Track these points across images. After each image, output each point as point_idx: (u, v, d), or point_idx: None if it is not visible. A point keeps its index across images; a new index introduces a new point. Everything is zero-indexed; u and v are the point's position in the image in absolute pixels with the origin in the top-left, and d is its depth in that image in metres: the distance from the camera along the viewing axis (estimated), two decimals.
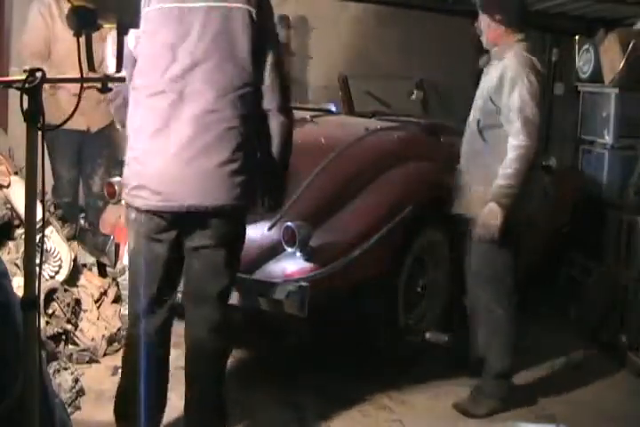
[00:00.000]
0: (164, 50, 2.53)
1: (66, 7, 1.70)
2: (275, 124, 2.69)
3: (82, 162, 4.73)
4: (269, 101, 2.66)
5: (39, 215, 1.73)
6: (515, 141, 3.26)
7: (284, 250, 3.44)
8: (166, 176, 2.55)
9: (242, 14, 2.56)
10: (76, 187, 4.76)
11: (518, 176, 3.25)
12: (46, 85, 1.62)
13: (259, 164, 2.69)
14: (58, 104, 3.98)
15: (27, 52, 4.49)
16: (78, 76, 1.73)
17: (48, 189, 4.29)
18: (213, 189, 2.56)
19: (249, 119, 2.60)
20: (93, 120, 4.57)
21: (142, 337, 2.72)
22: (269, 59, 2.63)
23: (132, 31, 2.10)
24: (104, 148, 4.74)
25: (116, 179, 3.72)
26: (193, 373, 2.77)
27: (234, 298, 3.36)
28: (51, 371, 3.15)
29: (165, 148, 2.54)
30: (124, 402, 2.76)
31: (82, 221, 4.62)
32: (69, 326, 3.60)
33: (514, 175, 3.25)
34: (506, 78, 3.34)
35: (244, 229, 2.78)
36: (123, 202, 2.89)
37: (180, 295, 2.89)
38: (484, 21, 3.52)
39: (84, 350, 3.58)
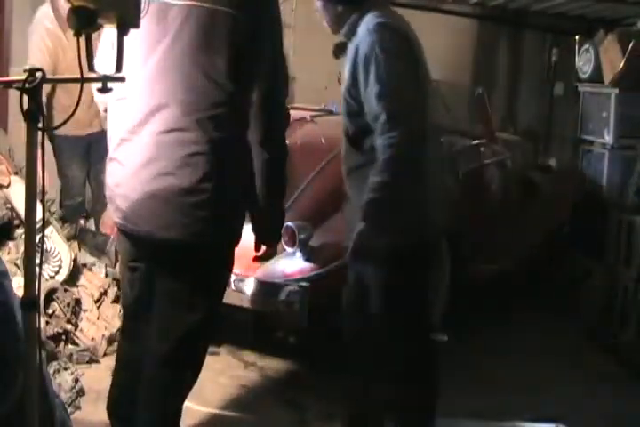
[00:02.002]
0: (138, 51, 2.17)
1: (66, 7, 1.67)
2: (257, 159, 2.29)
3: (91, 162, 4.67)
4: (253, 132, 2.26)
5: (39, 215, 1.73)
6: (382, 140, 2.47)
7: (284, 250, 3.43)
8: (128, 194, 2.25)
9: (224, 19, 2.14)
10: (85, 185, 4.74)
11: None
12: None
13: (241, 201, 2.30)
14: (64, 109, 3.97)
15: None
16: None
17: (48, 188, 4.28)
18: (170, 221, 2.19)
19: (224, 146, 2.18)
20: (100, 121, 4.52)
21: (129, 345, 2.57)
22: (263, 80, 2.21)
23: None
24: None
25: None
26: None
27: (234, 298, 3.36)
28: (51, 371, 3.14)
29: (127, 161, 2.25)
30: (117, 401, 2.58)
31: (82, 221, 4.62)
32: (69, 326, 3.60)
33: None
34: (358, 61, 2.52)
35: (221, 269, 2.38)
36: None
37: None
38: (319, 2, 2.68)
39: (84, 350, 3.58)
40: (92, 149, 4.67)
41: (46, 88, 3.99)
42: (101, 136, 4.63)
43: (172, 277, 2.30)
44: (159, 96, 2.17)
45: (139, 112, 2.19)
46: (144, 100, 2.18)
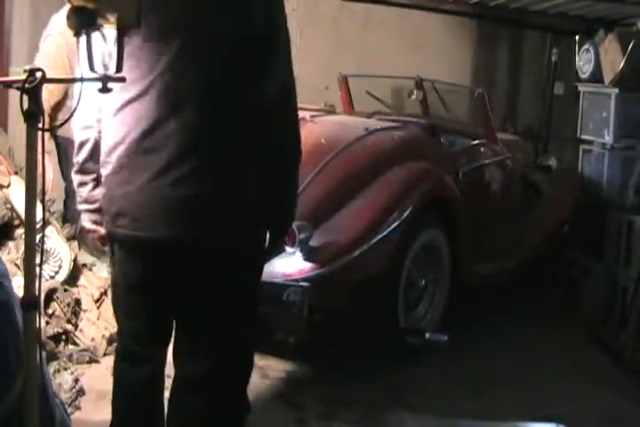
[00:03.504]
0: (149, 48, 2.06)
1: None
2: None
3: None
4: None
5: (39, 215, 1.73)
6: None
7: (284, 250, 3.43)
8: (147, 200, 2.11)
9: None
10: None
11: None
12: None
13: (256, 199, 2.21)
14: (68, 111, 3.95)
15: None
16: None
17: (49, 188, 4.28)
18: (201, 222, 2.12)
19: (245, 147, 2.16)
20: None
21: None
22: (278, 64, 2.16)
23: None
24: None
25: None
26: None
27: None
28: (51, 371, 3.14)
29: (146, 165, 2.10)
30: None
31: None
32: (69, 326, 3.60)
33: None
34: None
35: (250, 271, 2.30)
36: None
37: None
38: None
39: (84, 350, 3.58)
40: None
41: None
42: None
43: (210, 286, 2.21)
44: (178, 95, 2.06)
45: (157, 112, 2.07)
46: (163, 100, 2.06)
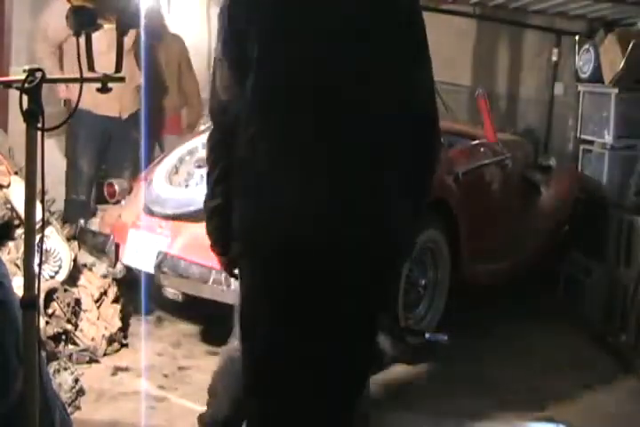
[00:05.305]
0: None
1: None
2: None
3: (107, 158, 4.56)
4: None
5: (39, 215, 1.73)
6: None
7: None
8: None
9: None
10: (93, 184, 4.66)
11: None
12: None
13: None
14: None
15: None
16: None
17: (49, 187, 4.27)
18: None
19: None
20: (126, 104, 4.42)
21: None
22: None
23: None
24: (131, 144, 4.43)
25: (117, 179, 3.73)
26: None
27: (232, 298, 3.36)
28: (51, 371, 3.14)
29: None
30: None
31: (82, 221, 4.62)
32: (69, 326, 3.60)
33: None
34: None
35: None
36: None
37: None
38: None
39: (84, 350, 3.58)
40: (112, 143, 4.52)
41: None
42: (124, 125, 4.45)
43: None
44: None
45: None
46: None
